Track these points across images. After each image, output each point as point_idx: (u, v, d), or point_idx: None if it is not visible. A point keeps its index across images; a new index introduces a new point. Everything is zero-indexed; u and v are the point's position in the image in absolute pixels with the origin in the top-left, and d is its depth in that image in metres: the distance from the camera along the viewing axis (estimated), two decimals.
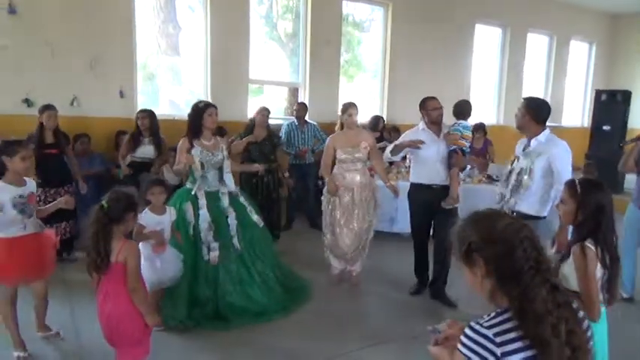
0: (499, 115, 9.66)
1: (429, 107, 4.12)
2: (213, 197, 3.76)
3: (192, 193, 3.72)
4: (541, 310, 1.20)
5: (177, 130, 5.67)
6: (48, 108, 4.55)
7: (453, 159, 3.99)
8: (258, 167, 4.58)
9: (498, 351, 1.20)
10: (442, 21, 8.37)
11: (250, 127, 5.47)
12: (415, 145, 3.99)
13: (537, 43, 10.17)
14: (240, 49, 6.57)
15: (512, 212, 3.31)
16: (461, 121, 4.06)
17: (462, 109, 4.10)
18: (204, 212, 3.64)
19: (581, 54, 11.05)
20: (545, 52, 10.36)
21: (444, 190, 4.02)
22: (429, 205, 4.06)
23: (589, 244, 2.03)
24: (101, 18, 5.51)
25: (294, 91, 7.68)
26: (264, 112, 5.42)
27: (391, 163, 6.40)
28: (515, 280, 1.24)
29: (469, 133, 4.08)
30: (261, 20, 7.22)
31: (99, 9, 5.49)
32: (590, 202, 2.07)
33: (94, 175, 5.23)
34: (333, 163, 4.44)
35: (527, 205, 3.27)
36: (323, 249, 4.63)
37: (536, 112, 3.28)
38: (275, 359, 3.22)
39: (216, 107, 3.86)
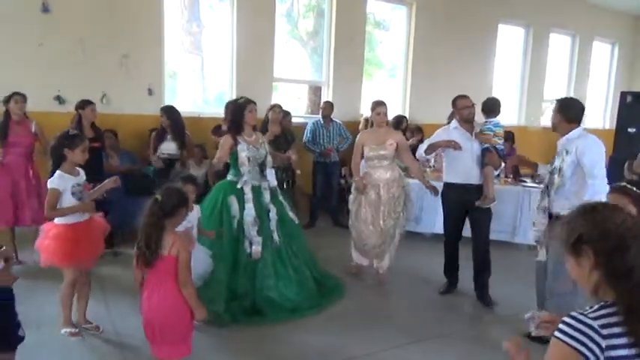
0: (520, 116, 9.59)
1: (459, 106, 4.12)
2: (255, 192, 3.81)
3: (239, 187, 3.76)
4: None
5: (202, 126, 5.77)
6: (88, 103, 4.70)
7: (487, 158, 3.97)
8: (290, 155, 4.54)
9: (604, 343, 1.20)
10: (465, 20, 8.32)
11: (264, 124, 5.50)
12: (451, 145, 3.98)
13: (560, 44, 10.07)
14: (265, 47, 6.60)
15: (548, 212, 3.29)
16: (492, 119, 4.04)
17: (491, 107, 4.08)
18: (250, 207, 3.70)
19: (603, 55, 10.91)
20: (568, 53, 10.25)
21: (478, 190, 4.00)
22: (463, 205, 4.05)
23: None
24: (131, 16, 5.57)
25: (315, 90, 7.70)
26: (277, 109, 5.48)
27: None
28: (626, 276, 1.23)
29: (501, 131, 4.05)
30: (282, 19, 7.24)
31: (129, 7, 5.56)
32: None
33: (122, 172, 5.28)
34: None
35: (559, 205, 3.21)
36: (346, 247, 4.69)
37: (566, 111, 3.26)
38: (304, 356, 3.24)
39: (255, 103, 3.91)
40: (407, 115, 7.79)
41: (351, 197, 4.51)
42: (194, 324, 2.57)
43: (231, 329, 3.44)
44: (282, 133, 5.48)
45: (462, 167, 4.05)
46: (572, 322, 1.25)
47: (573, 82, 10.27)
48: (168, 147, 5.20)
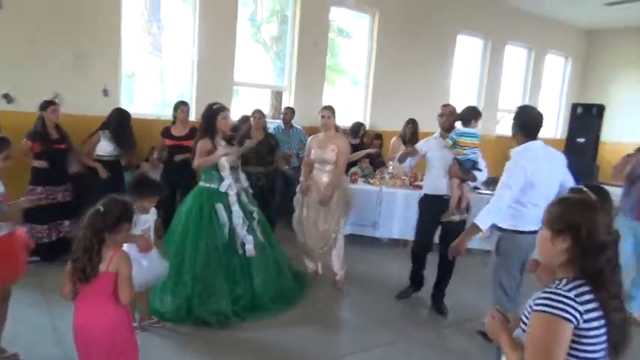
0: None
1: (440, 113, 4.13)
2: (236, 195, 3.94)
3: (222, 191, 3.81)
4: (614, 290, 1.46)
5: (160, 129, 5.65)
6: (50, 103, 4.58)
7: (449, 169, 3.91)
8: (250, 143, 4.42)
9: (582, 308, 1.41)
10: (426, 31, 8.51)
11: (245, 131, 5.44)
12: (412, 154, 4.08)
13: (515, 56, 10.44)
14: (227, 50, 6.55)
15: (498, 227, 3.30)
16: (460, 128, 3.96)
17: (464, 116, 3.97)
18: (237, 209, 3.82)
19: (556, 67, 11.38)
20: (523, 65, 10.64)
21: (448, 201, 3.94)
22: (433, 216, 4.00)
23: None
24: (87, 14, 5.40)
25: (276, 95, 7.70)
26: (257, 115, 5.44)
27: (375, 169, 6.49)
28: (597, 273, 1.45)
29: (470, 140, 3.89)
30: (245, 22, 7.21)
31: (85, 5, 5.39)
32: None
33: (73, 175, 5.08)
34: None
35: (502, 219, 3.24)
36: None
37: (525, 124, 3.24)
38: None
39: (229, 110, 3.96)
40: (368, 122, 7.91)
41: (296, 198, 4.59)
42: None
43: (181, 335, 3.38)
44: (265, 139, 5.43)
45: (433, 178, 4.07)
46: (551, 295, 1.43)
47: (528, 93, 10.66)
48: (104, 148, 4.95)
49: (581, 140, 9.31)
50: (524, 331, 1.51)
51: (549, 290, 1.45)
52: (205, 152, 3.79)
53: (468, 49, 9.62)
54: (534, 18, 10.11)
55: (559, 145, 9.87)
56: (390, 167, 6.53)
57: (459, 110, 4.09)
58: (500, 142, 9.57)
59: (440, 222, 3.99)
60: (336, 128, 4.61)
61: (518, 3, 9.39)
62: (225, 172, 3.85)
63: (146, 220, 3.27)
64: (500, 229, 3.22)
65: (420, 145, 4.21)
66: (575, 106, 9.78)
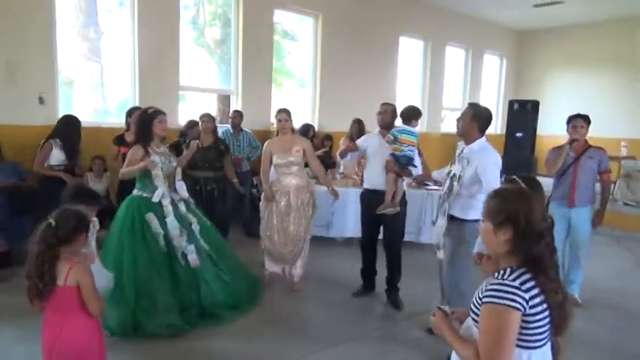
0: (422, 123, 10.12)
1: (379, 110, 4.23)
2: (171, 204, 3.76)
3: (155, 200, 3.64)
4: (552, 274, 1.55)
5: (102, 137, 5.44)
6: None
7: (385, 164, 4.02)
8: (194, 143, 4.24)
9: (527, 296, 1.49)
10: (369, 33, 8.68)
11: (183, 135, 5.33)
12: (352, 149, 4.18)
13: (455, 56, 10.84)
14: (170, 55, 6.40)
15: (446, 214, 3.43)
16: (401, 126, 4.07)
17: (405, 114, 4.10)
18: (171, 219, 3.63)
19: (493, 66, 11.92)
20: (462, 65, 11.06)
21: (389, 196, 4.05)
22: (373, 209, 4.08)
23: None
24: (17, 19, 5.12)
25: (223, 99, 7.60)
26: (205, 119, 5.33)
27: (326, 170, 6.53)
28: (537, 259, 1.54)
29: (409, 138, 4.01)
30: (187, 26, 7.08)
31: (14, 9, 5.11)
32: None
33: (5, 187, 4.79)
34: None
35: (456, 208, 3.37)
36: (258, 256, 4.68)
37: (480, 121, 3.35)
38: None
39: (165, 114, 3.79)
40: (317, 124, 7.95)
41: (262, 205, 4.52)
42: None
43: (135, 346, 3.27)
44: (214, 143, 5.31)
45: (371, 173, 4.18)
46: (498, 287, 1.51)
47: (468, 92, 11.10)
48: (57, 157, 4.78)
49: (519, 135, 9.78)
50: (475, 321, 1.58)
51: (496, 282, 1.53)
52: (135, 160, 3.65)
53: (411, 50, 9.90)
54: (471, 20, 10.55)
55: (500, 140, 10.35)
56: (341, 167, 6.60)
57: (399, 109, 4.23)
58: (444, 140, 9.92)
59: (382, 216, 4.09)
60: (293, 130, 4.60)
61: (455, 5, 9.76)
62: (159, 181, 3.67)
63: None
64: (464, 220, 3.32)
65: (361, 142, 4.32)
66: (511, 103, 10.27)
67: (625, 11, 9.76)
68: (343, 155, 4.41)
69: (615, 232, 5.91)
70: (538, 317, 1.51)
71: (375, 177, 4.13)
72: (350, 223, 5.79)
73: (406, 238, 5.75)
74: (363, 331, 3.74)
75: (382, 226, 4.20)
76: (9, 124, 5.07)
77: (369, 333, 3.73)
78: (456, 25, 10.32)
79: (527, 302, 1.49)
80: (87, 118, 6.01)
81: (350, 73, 8.46)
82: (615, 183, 8.26)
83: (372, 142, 4.22)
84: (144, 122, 3.72)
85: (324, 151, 6.57)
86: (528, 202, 1.57)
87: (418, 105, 10.11)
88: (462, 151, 3.41)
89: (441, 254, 3.50)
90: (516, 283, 1.50)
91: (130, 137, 5.18)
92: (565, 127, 4.40)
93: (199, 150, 5.20)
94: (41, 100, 5.35)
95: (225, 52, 7.42)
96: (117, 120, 6.16)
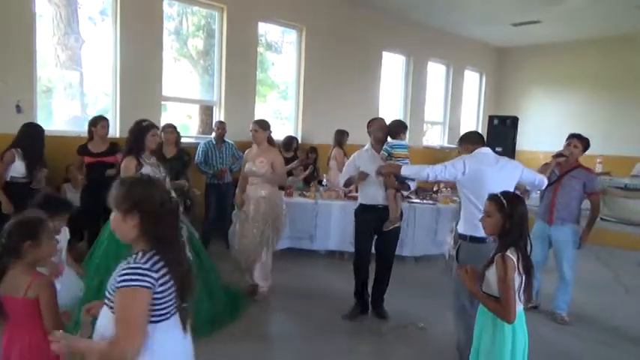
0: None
1: (373, 126, 4.20)
2: None
3: None
4: (176, 254, 1.74)
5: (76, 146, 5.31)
6: None
7: (385, 180, 3.98)
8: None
9: (156, 275, 1.64)
10: (352, 47, 8.76)
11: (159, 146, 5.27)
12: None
13: (437, 72, 11.00)
14: (152, 65, 6.34)
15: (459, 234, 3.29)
16: (392, 141, 4.08)
17: (393, 129, 4.14)
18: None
19: (473, 82, 12.13)
20: (443, 80, 11.23)
21: (386, 210, 4.01)
22: (372, 225, 4.06)
23: (510, 254, 2.23)
24: None
25: (205, 109, 7.55)
26: (169, 129, 5.33)
27: (308, 183, 6.52)
28: (160, 238, 1.70)
29: (401, 151, 4.02)
30: (171, 36, 7.04)
31: None
32: (516, 214, 2.29)
33: None
34: None
35: (461, 225, 3.28)
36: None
37: (464, 138, 3.49)
38: None
39: (158, 128, 3.87)
40: (299, 136, 7.95)
41: (234, 212, 4.66)
42: None
43: None
44: (178, 154, 5.27)
45: (367, 188, 4.12)
46: (130, 270, 1.62)
47: (449, 106, 11.26)
48: (18, 169, 4.57)
49: (499, 150, 9.90)
50: (111, 308, 1.66)
51: (128, 266, 1.64)
52: (130, 171, 3.64)
53: (393, 65, 10.01)
54: (452, 37, 10.74)
55: None
56: (324, 180, 6.60)
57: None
58: (426, 152, 10.02)
59: (378, 231, 4.07)
60: (270, 141, 4.60)
61: (437, 23, 9.93)
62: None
63: (56, 240, 3.04)
64: (474, 239, 3.13)
65: (354, 160, 4.26)
66: (491, 119, 10.42)
67: (601, 32, 10.06)
68: (349, 184, 4.38)
69: (593, 248, 5.96)
70: (165, 293, 1.66)
71: (371, 192, 4.08)
72: (333, 236, 5.78)
73: None
74: (349, 344, 3.71)
75: (378, 239, 4.16)
76: None
77: (355, 348, 3.69)
78: (438, 41, 10.49)
79: (156, 281, 1.63)
80: (66, 126, 5.91)
81: (333, 86, 8.50)
82: None
83: (364, 158, 4.18)
84: (138, 134, 3.77)
85: (301, 159, 6.69)
86: (150, 188, 1.73)
87: (400, 118, 10.30)
88: None
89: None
90: (147, 265, 1.63)
91: (94, 147, 5.09)
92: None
93: (164, 161, 5.17)
94: (19, 109, 5.22)
95: (209, 63, 7.39)
96: None
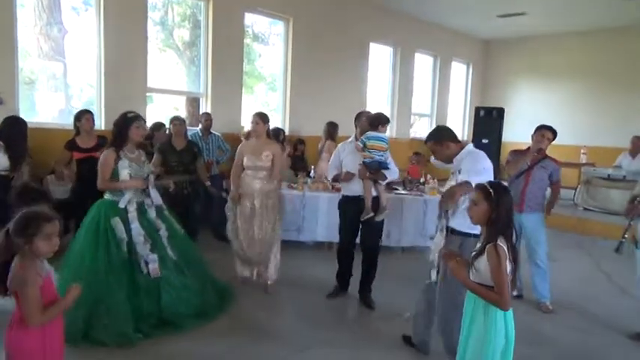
0: (391, 127, 10.27)
1: (361, 119, 4.26)
2: (140, 210, 3.67)
3: (122, 206, 3.56)
4: None
5: (67, 139, 5.27)
6: None
7: (358, 172, 4.07)
8: (169, 183, 4.35)
9: None
10: (339, 38, 8.74)
11: (150, 138, 5.24)
12: (347, 179, 4.15)
13: (424, 63, 11.03)
14: (137, 56, 6.27)
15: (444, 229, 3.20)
16: (369, 132, 4.11)
17: (372, 121, 4.17)
18: (136, 226, 3.54)
19: (460, 74, 12.19)
20: (431, 71, 11.27)
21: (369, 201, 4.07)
22: (356, 215, 4.12)
23: (501, 243, 2.26)
24: None
25: (192, 101, 7.49)
26: (177, 122, 5.25)
27: (296, 174, 6.53)
28: None
29: (378, 143, 4.08)
30: (156, 27, 6.96)
31: None
32: (503, 203, 2.32)
33: None
34: None
35: (457, 221, 3.15)
36: (229, 260, 4.66)
37: (443, 137, 3.28)
38: None
39: (145, 120, 3.75)
40: (287, 128, 7.94)
41: (227, 207, 4.52)
42: None
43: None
44: (188, 146, 5.22)
45: (352, 180, 4.16)
46: None
47: (436, 98, 11.31)
48: (1, 162, 4.50)
49: (485, 141, 10.00)
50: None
51: None
52: (109, 165, 3.60)
53: (381, 56, 10.01)
54: (439, 28, 10.76)
55: None
56: (312, 172, 6.62)
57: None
58: (413, 144, 10.06)
59: (360, 221, 4.14)
60: (268, 134, 4.58)
61: (424, 14, 9.94)
62: (150, 183, 3.70)
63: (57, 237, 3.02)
64: (466, 234, 3.09)
65: (339, 153, 4.36)
66: (478, 110, 10.51)
67: (586, 24, 10.16)
68: (336, 181, 4.46)
69: (576, 237, 6.12)
70: None
71: (352, 184, 4.16)
72: (320, 227, 5.80)
73: None
74: (334, 335, 3.74)
75: (362, 230, 4.22)
76: None
77: (338, 337, 3.72)
78: (425, 32, 10.51)
79: None
80: (49, 119, 5.83)
81: (321, 77, 8.49)
82: (576, 189, 8.56)
83: (347, 149, 4.27)
84: (121, 126, 3.66)
85: (288, 150, 6.70)
86: None
87: (388, 110, 10.33)
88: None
89: (434, 275, 3.28)
90: None
91: (82, 142, 5.02)
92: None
93: (175, 153, 5.14)
94: (0, 101, 5.14)
95: (195, 54, 7.33)
96: None
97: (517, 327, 2.42)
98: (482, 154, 3.22)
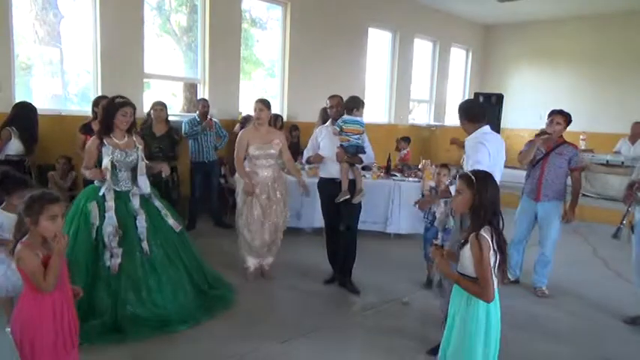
0: (390, 114, 10.24)
1: (330, 103, 4.38)
2: (123, 198, 3.54)
3: (100, 193, 3.47)
4: None
5: (64, 126, 5.27)
6: None
7: (335, 155, 4.15)
8: (163, 167, 4.27)
9: None
10: (338, 23, 8.66)
11: (149, 123, 5.22)
12: (317, 160, 4.31)
13: (423, 48, 10.95)
14: (133, 41, 6.20)
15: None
16: (345, 116, 4.17)
17: (347, 105, 4.23)
18: (110, 215, 3.39)
19: (460, 59, 12.10)
20: (430, 57, 11.19)
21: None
22: (333, 198, 4.20)
23: (484, 234, 2.21)
24: None
25: (189, 87, 7.45)
26: (158, 107, 5.22)
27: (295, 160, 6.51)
28: None
29: (354, 127, 4.14)
30: (152, 12, 6.89)
31: None
32: (487, 191, 2.28)
33: None
34: None
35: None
36: (229, 247, 4.64)
37: (467, 112, 3.37)
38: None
39: (134, 107, 3.59)
40: (285, 114, 7.91)
41: (239, 199, 4.42)
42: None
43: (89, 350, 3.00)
44: (167, 132, 5.20)
45: (325, 163, 4.29)
46: None
47: (435, 83, 11.25)
48: (13, 147, 4.61)
49: None
50: None
51: None
52: (90, 152, 3.52)
53: (380, 41, 9.93)
54: (438, 13, 10.66)
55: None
56: (304, 158, 6.60)
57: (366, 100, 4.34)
58: (412, 129, 10.04)
59: (337, 204, 4.19)
60: (270, 122, 4.56)
61: None
62: (107, 175, 3.48)
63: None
64: None
65: (316, 136, 4.43)
66: (477, 96, 10.45)
67: (586, 10, 10.07)
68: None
69: (573, 223, 6.08)
70: None
71: (329, 167, 4.27)
72: (319, 213, 5.78)
73: (373, 228, 5.87)
74: (331, 321, 3.77)
75: (341, 213, 4.24)
76: None
77: (335, 323, 3.75)
78: (424, 17, 10.41)
79: None
80: (46, 105, 5.80)
81: (319, 63, 8.43)
82: None
83: (324, 134, 4.34)
84: (107, 112, 3.57)
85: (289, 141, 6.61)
86: None
87: (387, 96, 10.28)
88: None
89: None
90: None
91: (96, 126, 5.00)
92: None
93: (155, 139, 5.10)
94: None
95: (192, 39, 7.26)
96: (79, 108, 5.96)
97: (513, 311, 2.43)
98: (484, 145, 3.18)
